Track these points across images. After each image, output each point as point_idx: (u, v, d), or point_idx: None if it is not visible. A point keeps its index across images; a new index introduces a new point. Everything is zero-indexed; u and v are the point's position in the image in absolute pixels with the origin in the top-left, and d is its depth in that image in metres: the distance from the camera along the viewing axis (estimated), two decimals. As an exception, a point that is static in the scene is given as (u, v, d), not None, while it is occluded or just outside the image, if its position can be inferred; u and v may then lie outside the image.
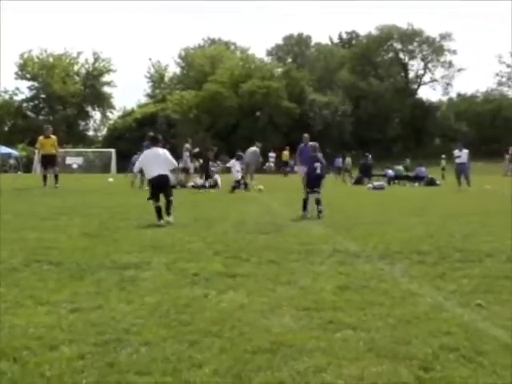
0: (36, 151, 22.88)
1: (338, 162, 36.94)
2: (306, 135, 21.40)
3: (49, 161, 20.64)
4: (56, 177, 20.40)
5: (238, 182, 20.69)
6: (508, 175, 36.44)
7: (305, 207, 11.40)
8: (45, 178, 20.46)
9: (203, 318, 4.25)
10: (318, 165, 11.71)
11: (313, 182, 11.56)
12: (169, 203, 10.21)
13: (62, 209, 12.43)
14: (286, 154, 42.32)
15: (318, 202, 11.37)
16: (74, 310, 4.44)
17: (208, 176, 21.88)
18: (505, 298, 4.95)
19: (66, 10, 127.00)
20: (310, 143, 13.56)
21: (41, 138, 21.00)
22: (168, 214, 10.11)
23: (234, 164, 21.32)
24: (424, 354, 3.56)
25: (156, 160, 10.35)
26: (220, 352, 3.56)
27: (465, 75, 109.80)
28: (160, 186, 10.29)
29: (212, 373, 3.26)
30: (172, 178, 10.19)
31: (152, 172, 10.36)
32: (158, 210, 10.05)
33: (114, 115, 79.38)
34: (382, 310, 4.51)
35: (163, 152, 10.52)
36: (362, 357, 3.50)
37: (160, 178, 10.26)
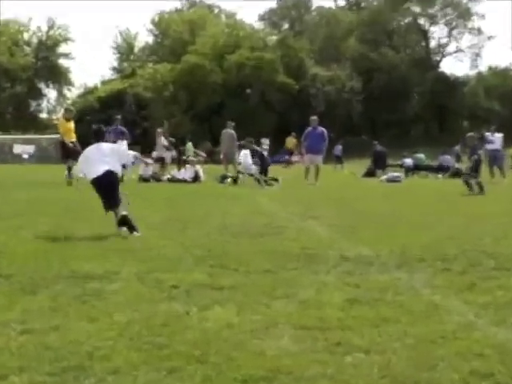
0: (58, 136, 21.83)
1: (338, 149, 36.61)
2: (313, 117, 22.19)
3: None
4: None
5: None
6: None
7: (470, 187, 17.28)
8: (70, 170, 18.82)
9: (183, 340, 4.24)
10: (481, 152, 17.78)
11: (476, 168, 17.37)
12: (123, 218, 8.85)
13: (13, 206, 12.36)
14: (290, 140, 41.50)
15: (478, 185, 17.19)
16: (24, 332, 4.41)
17: None
18: (547, 313, 4.97)
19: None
20: (469, 134, 17.33)
21: (62, 120, 20.35)
22: (130, 230, 8.81)
23: (246, 154, 20.94)
24: (450, 380, 3.56)
25: (100, 156, 9.22)
26: (204, 381, 3.55)
27: (496, 44, 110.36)
28: (105, 186, 9.02)
29: (194, 406, 3.25)
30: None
31: (94, 171, 9.16)
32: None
33: (72, 93, 79.27)
34: (399, 328, 4.51)
35: (111, 146, 9.74)
36: (375, 385, 3.51)
37: (105, 175, 9.00)
